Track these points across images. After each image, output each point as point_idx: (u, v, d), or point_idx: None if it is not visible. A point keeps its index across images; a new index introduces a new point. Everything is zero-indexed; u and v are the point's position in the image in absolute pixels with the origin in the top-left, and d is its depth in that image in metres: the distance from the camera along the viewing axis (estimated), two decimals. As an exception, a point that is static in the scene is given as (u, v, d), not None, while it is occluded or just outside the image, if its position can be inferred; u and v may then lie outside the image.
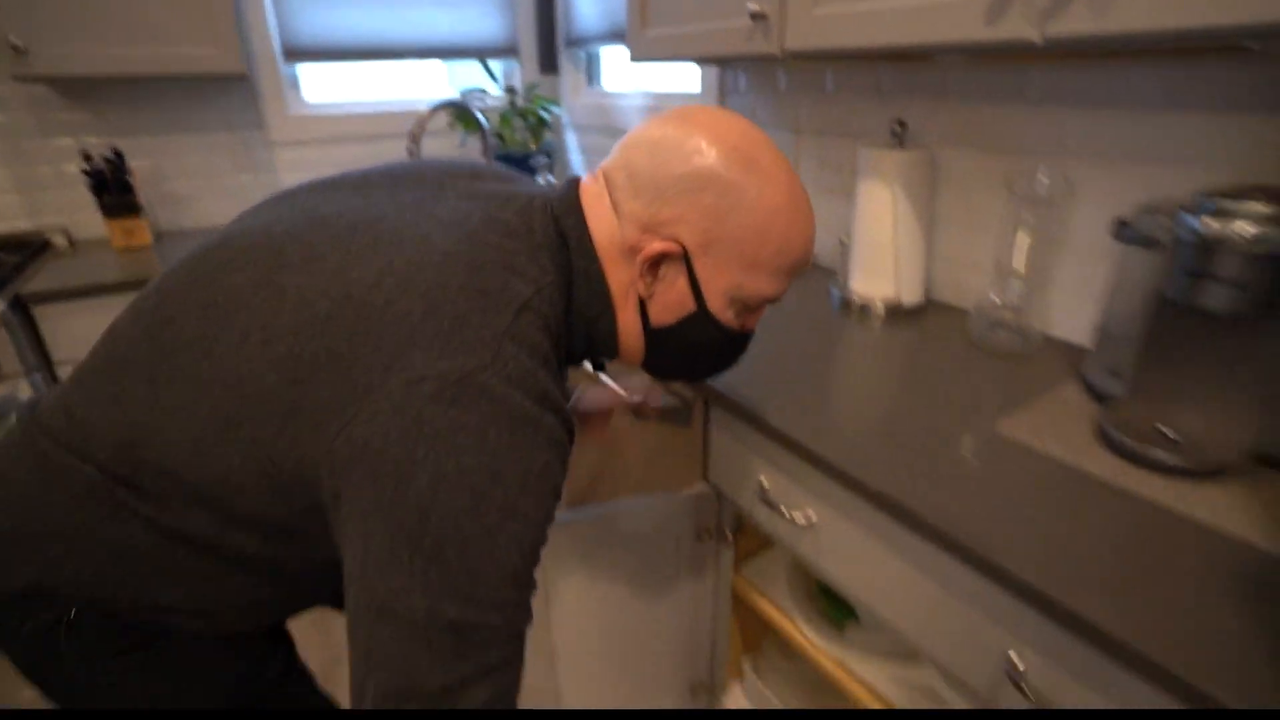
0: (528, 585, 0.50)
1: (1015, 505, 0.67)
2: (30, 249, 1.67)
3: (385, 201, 0.59)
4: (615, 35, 1.98)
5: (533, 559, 0.50)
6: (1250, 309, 0.65)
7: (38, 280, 1.50)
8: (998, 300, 1.05)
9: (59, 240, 1.84)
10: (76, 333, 1.49)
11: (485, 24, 2.24)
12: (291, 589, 0.64)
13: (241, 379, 0.50)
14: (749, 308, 0.64)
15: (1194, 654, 0.50)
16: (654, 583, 1.06)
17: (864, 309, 1.19)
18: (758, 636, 1.26)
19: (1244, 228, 0.62)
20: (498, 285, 0.52)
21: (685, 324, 0.63)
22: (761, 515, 0.94)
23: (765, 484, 0.91)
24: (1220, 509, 0.66)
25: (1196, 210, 0.66)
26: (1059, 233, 1.04)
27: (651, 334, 0.64)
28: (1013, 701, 0.65)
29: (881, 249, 1.17)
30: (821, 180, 1.44)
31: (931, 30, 0.84)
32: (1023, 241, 0.99)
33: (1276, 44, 0.76)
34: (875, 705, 0.91)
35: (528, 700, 0.97)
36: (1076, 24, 0.70)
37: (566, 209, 0.61)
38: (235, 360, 0.51)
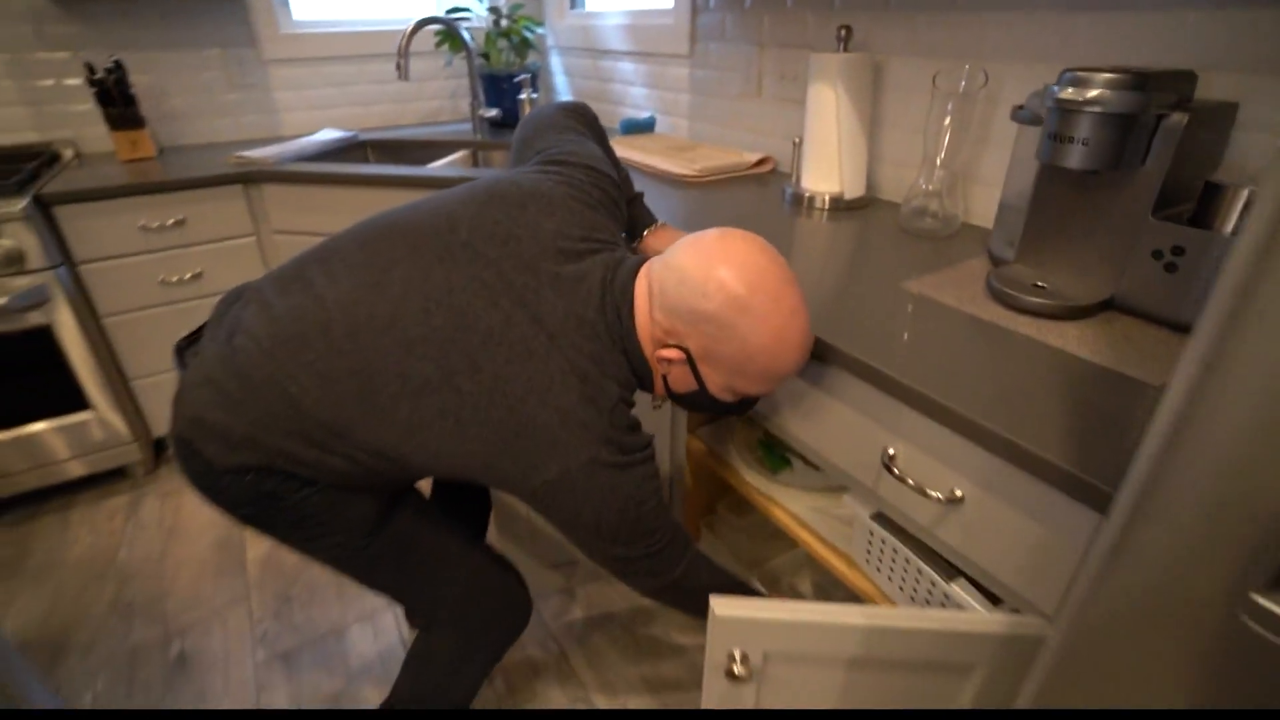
0: (663, 526, 0.80)
1: (908, 339, 0.82)
2: (41, 159, 1.78)
3: (505, 298, 0.74)
4: (595, -47, 2.03)
5: (661, 514, 0.79)
6: (1099, 164, 0.78)
7: (54, 183, 1.61)
8: (926, 187, 1.17)
9: (67, 153, 1.93)
10: (94, 233, 1.62)
11: (469, -57, 2.28)
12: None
13: (438, 435, 0.73)
14: (747, 395, 0.81)
15: (1032, 430, 0.65)
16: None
17: (810, 201, 1.32)
18: (712, 499, 1.43)
19: (1086, 93, 0.74)
20: (599, 391, 0.74)
21: (694, 395, 0.81)
22: (706, 369, 1.09)
23: (709, 341, 1.05)
24: (1072, 340, 0.81)
25: (1062, 82, 0.79)
26: (980, 129, 1.16)
27: (670, 394, 0.84)
28: (888, 484, 0.82)
29: (827, 148, 1.29)
30: (781, 90, 1.54)
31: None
32: (944, 133, 1.11)
33: None
34: (802, 533, 1.08)
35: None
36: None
37: (628, 307, 0.78)
38: (434, 424, 0.72)
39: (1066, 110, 0.78)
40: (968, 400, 0.69)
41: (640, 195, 1.10)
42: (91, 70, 1.77)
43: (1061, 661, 0.48)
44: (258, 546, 1.69)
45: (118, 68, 1.80)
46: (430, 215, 0.80)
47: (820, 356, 0.84)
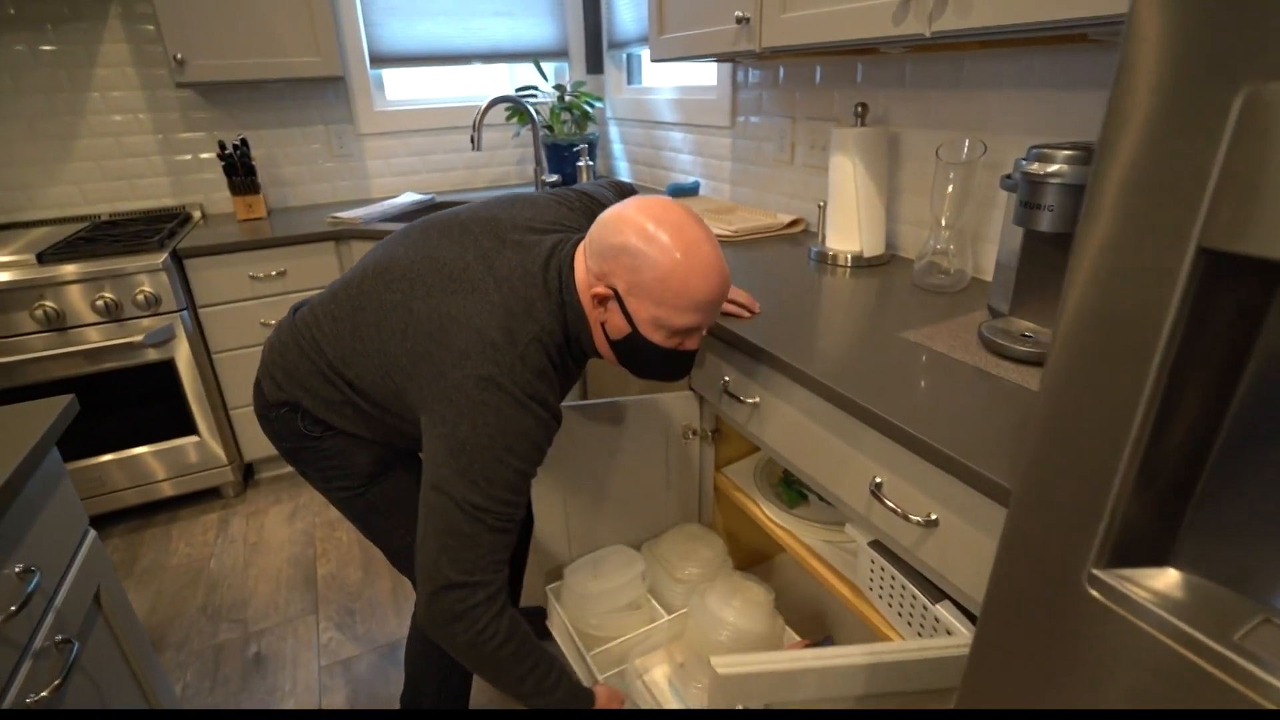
0: (516, 501, 0.86)
1: (900, 380, 0.92)
2: (177, 219, 2.10)
3: (471, 251, 0.93)
4: (647, 39, 2.26)
5: (522, 484, 0.86)
6: (1066, 227, 0.88)
7: (187, 240, 1.90)
8: (936, 248, 1.27)
9: (196, 214, 2.27)
10: (213, 281, 1.89)
11: (539, 32, 2.58)
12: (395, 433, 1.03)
13: (393, 353, 0.91)
14: (677, 333, 0.91)
15: (998, 461, 0.74)
16: (650, 470, 1.34)
17: (833, 259, 1.44)
18: (735, 534, 1.51)
19: (1048, 167, 0.85)
20: (519, 325, 0.87)
21: (628, 341, 0.92)
22: (725, 405, 1.20)
23: (728, 379, 1.17)
24: (1052, 385, 0.89)
25: (1028, 158, 0.89)
26: (986, 193, 1.26)
27: (612, 346, 0.95)
28: (878, 511, 0.90)
29: (847, 211, 1.41)
30: (810, 158, 1.68)
31: (858, 29, 1.09)
32: (948, 196, 1.22)
33: (1101, 33, 0.97)
34: (812, 562, 1.16)
35: (544, 541, 1.26)
36: (950, 22, 0.95)
37: (568, 266, 0.93)
38: (391, 343, 0.91)
39: (1034, 181, 0.88)
40: (944, 434, 0.78)
41: None
42: (222, 147, 2.09)
43: (977, 656, 0.57)
44: (326, 564, 1.87)
45: (243, 144, 2.12)
46: (454, 213, 1.02)
47: (821, 394, 0.94)
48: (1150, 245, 0.42)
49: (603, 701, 1.02)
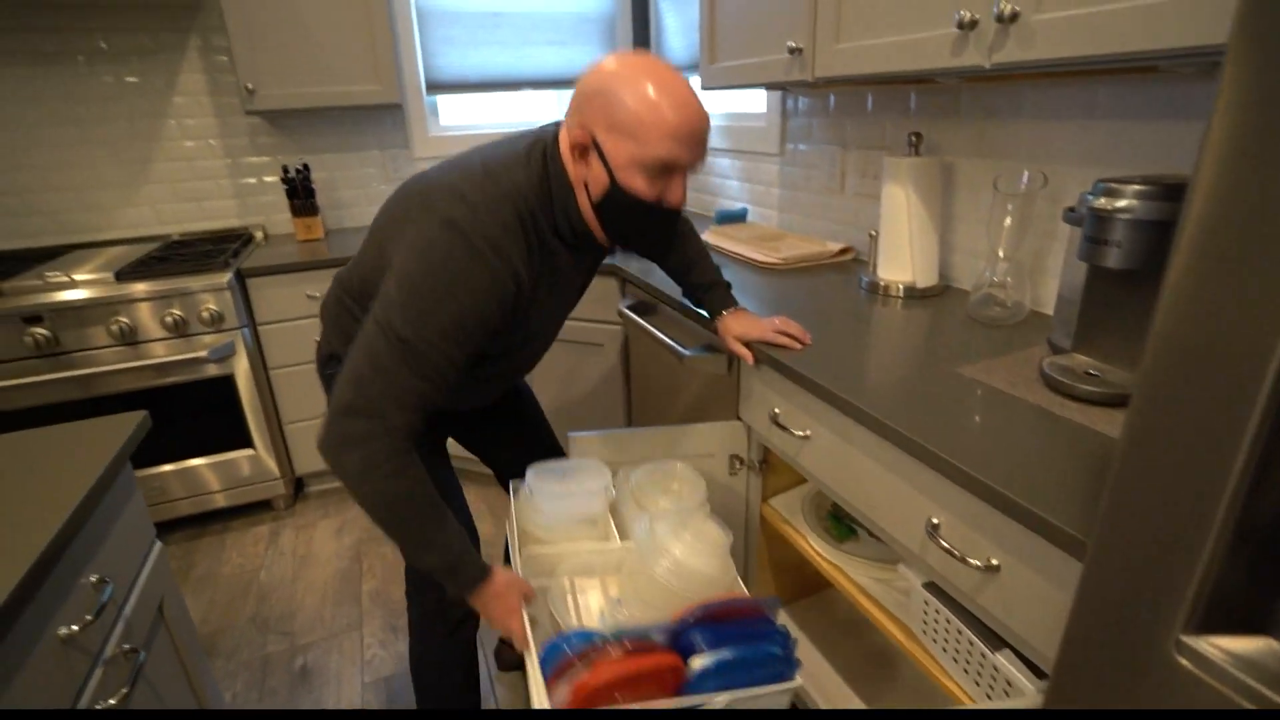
0: (444, 350, 0.85)
1: (957, 417, 0.90)
2: (241, 239, 2.19)
3: (478, 151, 0.98)
4: (697, 65, 2.29)
5: (457, 335, 0.85)
6: (1134, 264, 0.85)
7: (250, 260, 1.99)
8: (993, 279, 1.25)
9: (259, 234, 2.37)
10: (273, 299, 1.97)
11: (589, 59, 2.63)
12: None
13: (382, 228, 0.98)
14: (656, 174, 0.88)
15: (1064, 507, 0.72)
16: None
17: (885, 289, 1.42)
18: (782, 566, 1.49)
19: (1116, 202, 0.83)
20: (494, 184, 0.89)
21: (610, 197, 0.90)
22: (775, 437, 1.19)
23: (777, 410, 1.16)
24: (1120, 426, 0.86)
25: (1094, 192, 0.87)
26: (1046, 224, 1.23)
27: (596, 209, 0.93)
28: (934, 553, 0.88)
29: (900, 241, 1.39)
30: (861, 186, 1.67)
31: (915, 60, 1.09)
32: (1005, 229, 1.19)
33: (1173, 64, 0.95)
34: (862, 600, 1.13)
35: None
36: (1012, 54, 0.93)
37: (552, 142, 0.95)
38: (383, 220, 0.98)
39: (1101, 217, 0.86)
40: (1006, 476, 0.76)
41: (728, 284, 1.26)
42: (285, 171, 2.18)
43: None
44: (371, 580, 1.90)
45: (305, 169, 2.21)
46: None
47: (874, 429, 0.93)
48: (1253, 280, 0.41)
49: (498, 586, 0.95)
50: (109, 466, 0.85)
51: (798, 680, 0.88)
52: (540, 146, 0.95)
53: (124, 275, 1.82)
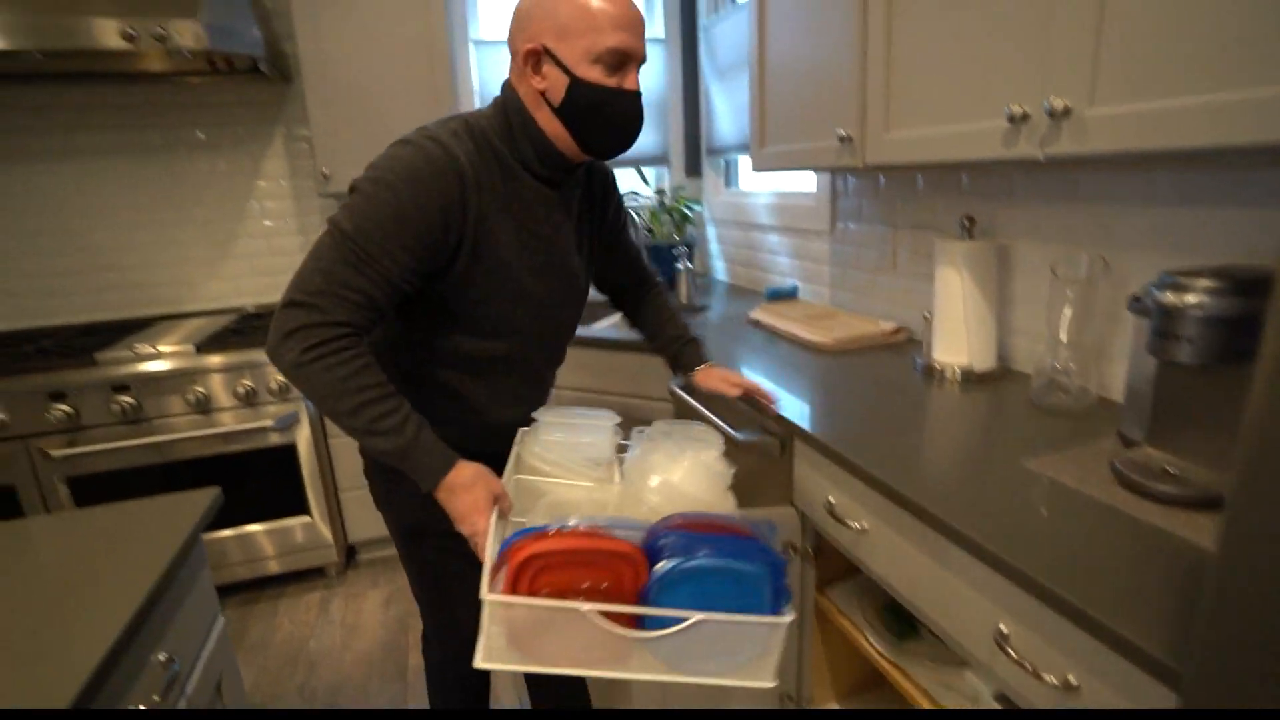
0: (391, 246, 0.86)
1: (1024, 517, 0.86)
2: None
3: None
4: (746, 146, 2.36)
5: (399, 227, 0.86)
6: (1209, 359, 0.82)
7: (316, 334, 2.09)
8: (1055, 366, 1.21)
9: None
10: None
11: (641, 140, 2.74)
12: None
13: None
14: (611, 64, 0.92)
15: (1149, 625, 0.68)
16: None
17: (941, 373, 1.39)
18: (839, 664, 1.42)
19: (1185, 297, 0.80)
20: (444, 119, 0.96)
21: (573, 93, 0.93)
22: (830, 527, 1.16)
23: (833, 500, 1.14)
24: (1206, 532, 0.81)
25: (1161, 285, 0.85)
26: (1111, 307, 1.20)
27: (560, 115, 0.95)
28: (1003, 663, 0.83)
29: (955, 324, 1.37)
30: (913, 266, 1.67)
31: (966, 150, 1.10)
32: (1066, 315, 1.16)
33: (1238, 154, 0.93)
34: (924, 704, 1.06)
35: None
36: (1066, 147, 0.94)
37: (503, 86, 1.00)
38: None
39: (1170, 312, 0.83)
40: (1080, 586, 0.71)
41: (698, 340, 1.32)
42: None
43: None
44: (417, 655, 1.89)
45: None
46: None
47: (935, 528, 0.89)
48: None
49: (464, 478, 0.88)
50: (182, 546, 0.89)
51: (790, 615, 0.73)
52: (500, 94, 1.01)
53: (204, 347, 1.94)
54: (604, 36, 0.91)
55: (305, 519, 2.09)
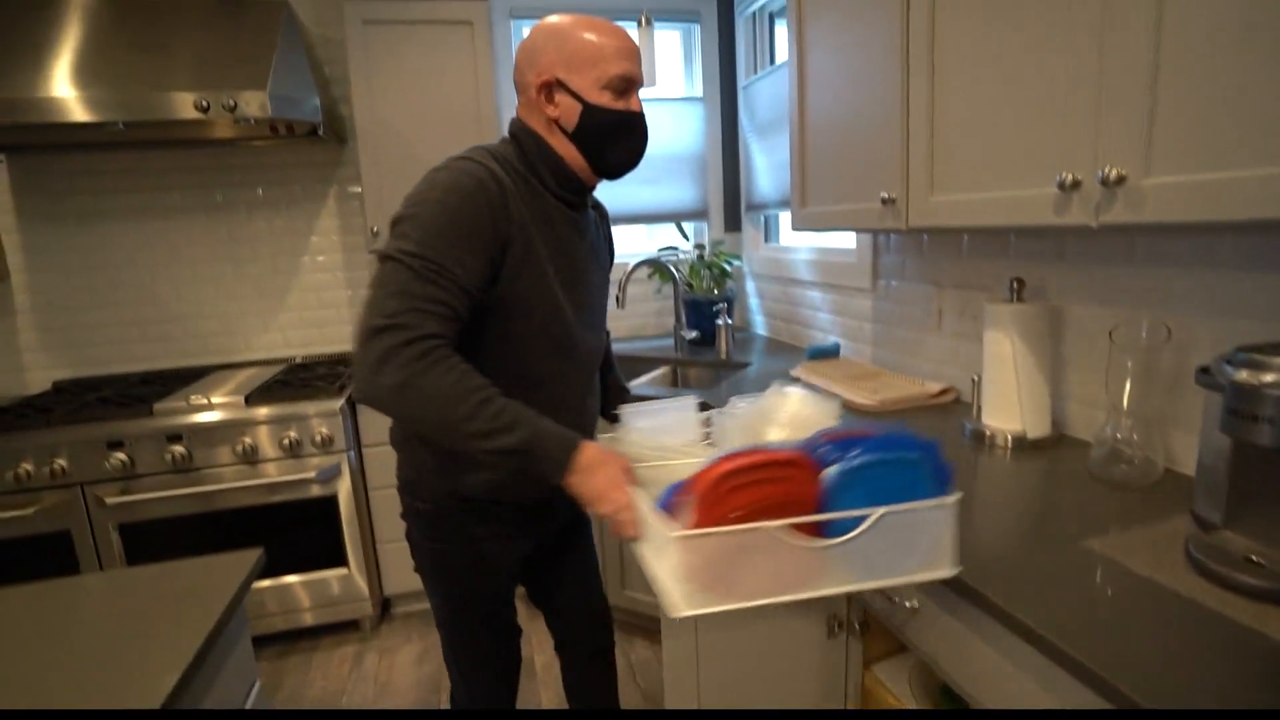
0: (453, 250, 0.89)
1: (1092, 608, 0.81)
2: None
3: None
4: (785, 203, 2.37)
5: (455, 233, 0.89)
6: (1292, 445, 0.76)
7: (360, 386, 2.14)
8: (1117, 435, 1.15)
9: (370, 359, 2.56)
10: (377, 423, 2.08)
11: (681, 195, 2.78)
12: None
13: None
14: (618, 89, 1.01)
15: None
16: (790, 674, 1.23)
17: (992, 439, 1.34)
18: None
19: (1262, 376, 0.76)
20: (465, 152, 1.01)
21: (587, 118, 1.01)
22: (878, 603, 1.10)
23: (879, 575, 1.09)
24: (1297, 629, 0.74)
25: (1234, 362, 0.81)
26: (1174, 374, 1.14)
27: (574, 139, 1.02)
28: (1073, 769, 0.76)
29: (1006, 389, 1.33)
30: (960, 327, 1.63)
31: (1015, 216, 1.08)
32: (1127, 384, 1.11)
33: None
34: (986, 803, 0.98)
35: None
36: (1121, 215, 0.91)
37: (513, 123, 1.08)
38: None
39: (1243, 390, 0.79)
40: (1159, 690, 0.66)
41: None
42: (400, 303, 2.38)
43: None
44: (448, 714, 1.85)
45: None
46: None
47: (994, 615, 0.84)
48: None
49: (594, 457, 0.86)
50: (226, 608, 0.89)
51: (957, 494, 0.77)
52: (509, 129, 1.08)
53: (253, 399, 1.99)
54: (610, 65, 1.00)
55: (343, 571, 2.10)
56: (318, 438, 1.97)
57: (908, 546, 0.76)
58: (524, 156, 1.03)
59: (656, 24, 2.36)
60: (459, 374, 0.83)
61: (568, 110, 1.01)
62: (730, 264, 2.62)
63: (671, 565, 0.70)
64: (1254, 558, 0.84)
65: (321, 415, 1.98)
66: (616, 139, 1.04)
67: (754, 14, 2.62)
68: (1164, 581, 0.84)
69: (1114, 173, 0.89)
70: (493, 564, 1.12)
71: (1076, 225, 0.97)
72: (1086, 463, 1.20)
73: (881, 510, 0.72)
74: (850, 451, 0.73)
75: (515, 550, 1.15)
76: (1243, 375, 0.78)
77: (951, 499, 0.76)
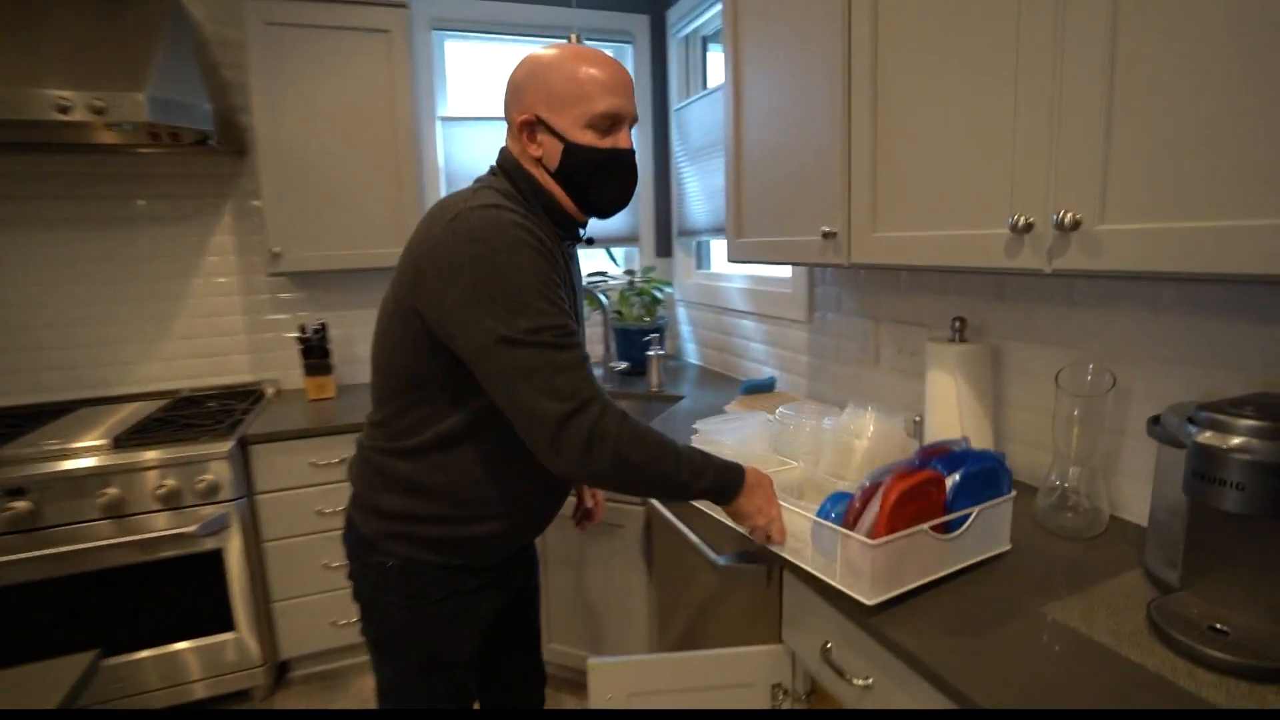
0: (554, 309, 0.88)
1: (1060, 689, 0.74)
2: (251, 397, 2.14)
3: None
4: (719, 230, 2.32)
5: (544, 289, 0.88)
6: (1261, 510, 0.72)
7: (255, 424, 1.91)
8: (1060, 483, 1.12)
9: (270, 390, 2.31)
10: (275, 467, 1.86)
11: (611, 220, 2.68)
12: (496, 473, 1.02)
13: (394, 312, 0.97)
14: (602, 128, 0.97)
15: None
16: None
17: (936, 483, 1.29)
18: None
19: (1229, 440, 0.71)
20: (468, 190, 0.98)
21: (568, 158, 0.97)
22: (827, 676, 1.01)
23: (830, 645, 1.00)
24: (1271, 703, 0.69)
25: (1197, 422, 0.76)
26: (1118, 421, 1.11)
27: (558, 178, 0.99)
28: None
29: (950, 431, 1.28)
30: (899, 363, 1.59)
31: (963, 257, 1.03)
32: (1074, 431, 1.07)
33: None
34: None
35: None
36: (1076, 261, 0.86)
37: (501, 154, 1.04)
38: (388, 306, 0.99)
39: (1209, 453, 0.74)
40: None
41: None
42: (303, 330, 2.16)
43: None
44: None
45: (323, 328, 2.19)
46: None
47: (956, 699, 0.76)
48: None
49: (753, 478, 1.01)
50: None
51: (1013, 492, 1.03)
52: (491, 165, 1.05)
53: (123, 442, 1.74)
54: (594, 103, 0.95)
55: (231, 635, 1.85)
56: (201, 486, 1.73)
57: (985, 533, 1.00)
58: (518, 193, 1.00)
59: (588, 43, 2.27)
60: (642, 431, 0.90)
61: (550, 149, 0.98)
62: (661, 291, 2.53)
63: (856, 566, 0.91)
64: (1218, 626, 0.80)
65: (209, 460, 1.75)
66: (602, 178, 1.00)
67: (687, 37, 2.57)
68: (1130, 655, 0.78)
69: (1069, 216, 0.84)
70: (475, 613, 1.06)
71: (1027, 270, 0.93)
72: (1032, 510, 1.16)
73: (978, 508, 0.97)
74: (956, 465, 0.97)
75: (495, 602, 1.10)
76: (1207, 437, 0.74)
77: (1011, 494, 1.02)
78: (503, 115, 1.03)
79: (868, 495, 0.93)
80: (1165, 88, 0.75)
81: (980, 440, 1.27)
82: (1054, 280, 1.21)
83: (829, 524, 0.94)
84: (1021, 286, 1.27)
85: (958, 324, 1.29)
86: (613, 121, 0.97)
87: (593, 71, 0.95)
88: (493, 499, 1.01)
